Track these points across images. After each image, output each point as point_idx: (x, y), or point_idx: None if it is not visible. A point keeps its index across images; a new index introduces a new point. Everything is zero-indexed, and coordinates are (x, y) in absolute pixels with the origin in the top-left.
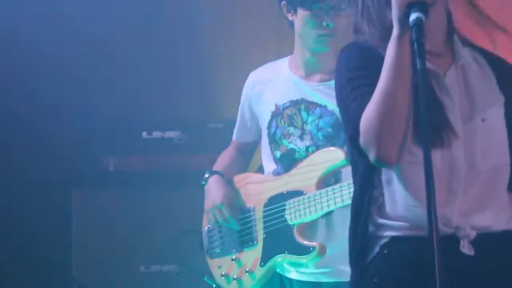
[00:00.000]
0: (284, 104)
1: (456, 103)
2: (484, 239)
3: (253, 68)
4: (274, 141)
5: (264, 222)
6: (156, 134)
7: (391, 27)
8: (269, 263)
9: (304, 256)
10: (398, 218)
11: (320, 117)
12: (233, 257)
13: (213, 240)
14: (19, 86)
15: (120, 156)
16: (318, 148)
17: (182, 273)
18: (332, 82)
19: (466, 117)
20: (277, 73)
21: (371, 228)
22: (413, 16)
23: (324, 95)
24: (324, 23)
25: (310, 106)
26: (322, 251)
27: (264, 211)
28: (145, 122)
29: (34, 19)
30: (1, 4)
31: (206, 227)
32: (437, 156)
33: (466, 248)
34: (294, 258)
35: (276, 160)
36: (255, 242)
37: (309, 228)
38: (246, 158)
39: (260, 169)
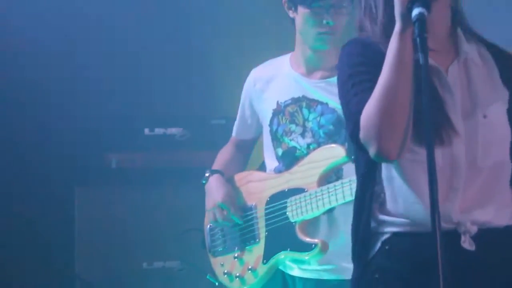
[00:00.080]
0: (286, 101)
1: (458, 100)
2: (486, 235)
3: (255, 64)
4: (276, 139)
5: (266, 220)
6: (159, 130)
7: (393, 24)
8: (272, 261)
9: (307, 253)
10: (399, 215)
11: (322, 114)
12: (236, 255)
13: (215, 238)
14: (23, 84)
15: (122, 153)
16: (319, 145)
17: (184, 269)
18: (334, 79)
19: (467, 113)
20: (278, 70)
21: (373, 224)
22: (415, 11)
23: (325, 92)
24: (324, 21)
25: (311, 103)
26: (324, 247)
27: (266, 209)
28: (148, 119)
29: (37, 18)
30: (6, 3)
31: (208, 226)
32: (438, 153)
33: (467, 244)
34: (296, 255)
35: (278, 158)
36: (257, 240)
37: (311, 225)
38: (245, 155)
39: (262, 166)
